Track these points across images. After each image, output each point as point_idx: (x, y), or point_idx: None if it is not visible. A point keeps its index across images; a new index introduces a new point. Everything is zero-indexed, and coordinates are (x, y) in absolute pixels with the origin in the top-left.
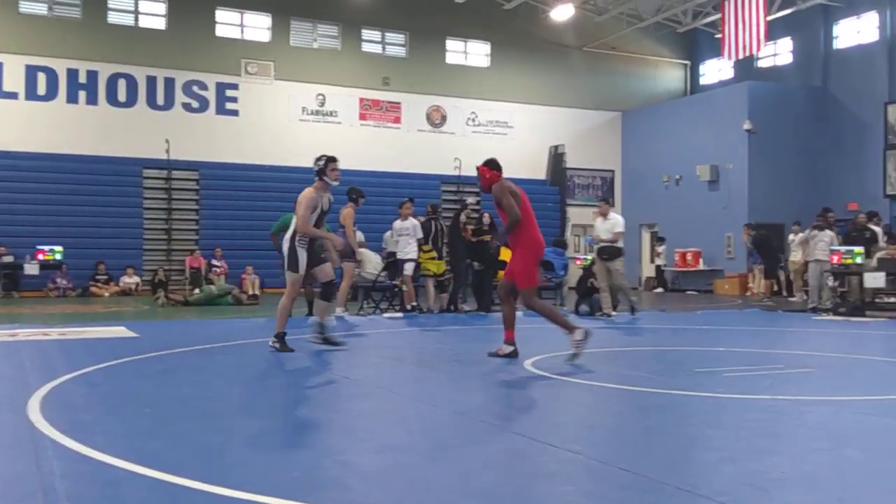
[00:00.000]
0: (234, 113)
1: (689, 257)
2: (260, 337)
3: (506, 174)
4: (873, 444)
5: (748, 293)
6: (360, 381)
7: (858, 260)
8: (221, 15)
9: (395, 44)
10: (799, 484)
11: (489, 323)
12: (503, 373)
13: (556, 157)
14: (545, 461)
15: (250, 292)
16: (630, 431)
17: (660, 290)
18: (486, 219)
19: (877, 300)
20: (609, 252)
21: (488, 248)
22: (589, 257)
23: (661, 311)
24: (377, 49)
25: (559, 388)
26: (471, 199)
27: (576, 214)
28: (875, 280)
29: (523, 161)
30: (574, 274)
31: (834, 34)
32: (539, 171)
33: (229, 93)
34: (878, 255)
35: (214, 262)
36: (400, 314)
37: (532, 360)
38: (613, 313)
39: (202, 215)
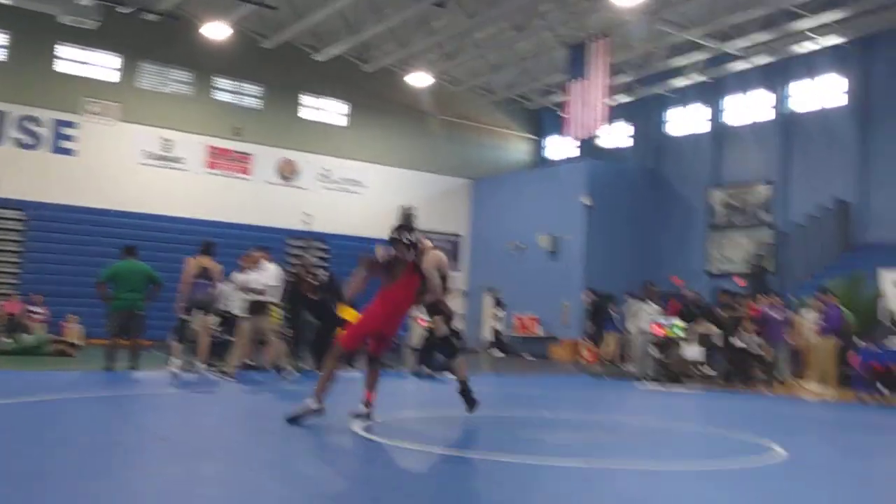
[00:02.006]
0: (71, 152)
1: (526, 322)
2: (70, 392)
3: (356, 233)
4: None
5: (579, 360)
6: (181, 443)
7: (678, 332)
8: (64, 51)
9: (250, 95)
10: None
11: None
12: (330, 436)
13: (406, 217)
14: None
15: (71, 342)
16: (434, 496)
17: (498, 353)
18: (325, 276)
19: (692, 371)
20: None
21: (328, 305)
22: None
23: (496, 374)
24: (230, 98)
25: (386, 454)
26: (312, 257)
27: None
28: (693, 352)
29: (374, 221)
30: (415, 334)
31: (667, 121)
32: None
33: (66, 131)
34: (698, 330)
35: (33, 308)
36: (233, 372)
37: (363, 424)
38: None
39: (26, 258)
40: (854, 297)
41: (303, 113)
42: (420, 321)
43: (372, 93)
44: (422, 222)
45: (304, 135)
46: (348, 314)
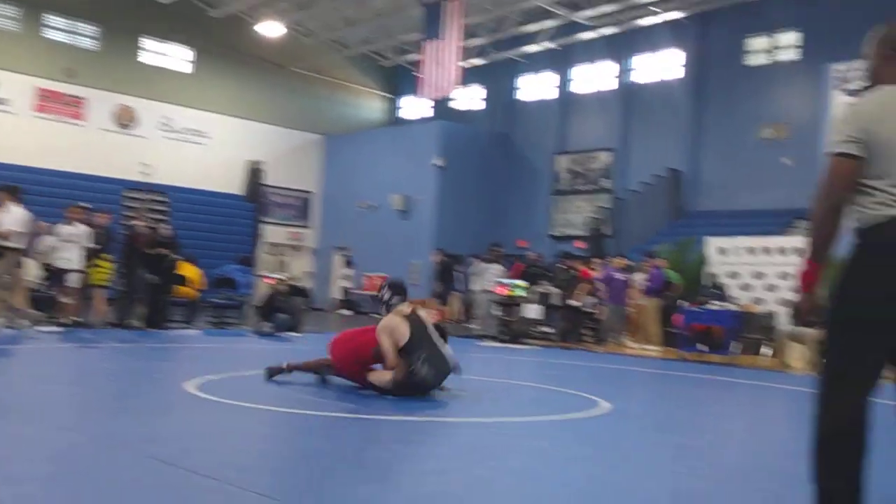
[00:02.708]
0: None
1: (376, 282)
2: None
3: (199, 185)
4: (503, 463)
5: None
6: None
7: (520, 293)
8: None
9: (85, 35)
10: (445, 500)
11: (159, 341)
12: (163, 396)
13: (254, 172)
14: (182, 490)
15: None
16: (284, 456)
17: (347, 312)
18: (163, 230)
19: (531, 330)
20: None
21: (164, 260)
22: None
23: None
24: (63, 37)
25: (218, 413)
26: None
27: (270, 232)
28: (532, 311)
29: (219, 174)
30: (261, 292)
31: (518, 87)
32: (235, 186)
33: None
34: (537, 289)
35: None
36: (60, 328)
37: (197, 381)
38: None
39: None
40: (681, 262)
41: (143, 57)
42: (265, 279)
43: (219, 40)
44: (271, 178)
45: (145, 81)
46: (189, 271)
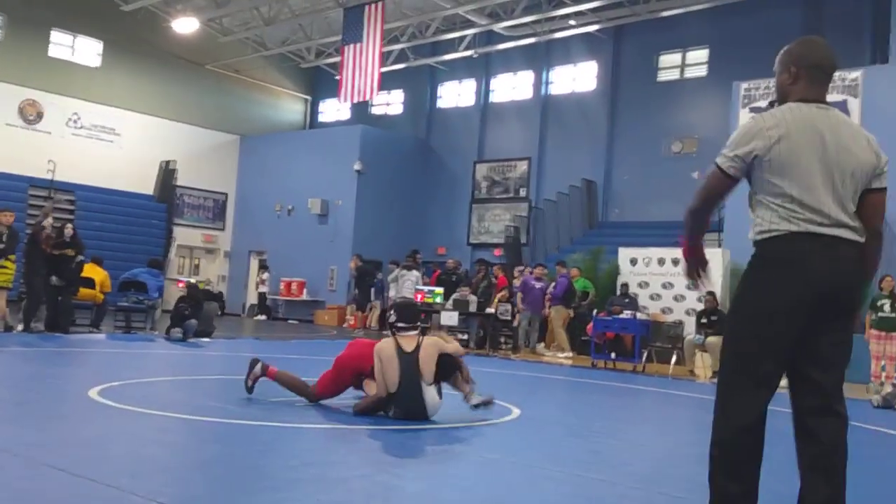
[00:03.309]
0: None
1: (293, 287)
2: None
3: (109, 185)
4: (407, 469)
5: (345, 325)
6: None
7: (438, 300)
8: None
9: None
10: None
11: (62, 345)
12: (62, 402)
13: (167, 172)
14: (76, 499)
15: None
16: (182, 463)
17: (262, 317)
18: (69, 231)
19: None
20: None
21: (70, 262)
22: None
23: (255, 338)
24: None
25: (118, 420)
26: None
27: (183, 235)
28: (449, 318)
29: (130, 173)
30: (172, 296)
31: (438, 94)
32: (147, 186)
33: None
34: (454, 296)
35: None
36: None
37: (99, 387)
38: None
39: None
40: (594, 271)
41: (51, 50)
42: (177, 283)
43: (130, 34)
44: (184, 178)
45: (51, 74)
46: (95, 272)
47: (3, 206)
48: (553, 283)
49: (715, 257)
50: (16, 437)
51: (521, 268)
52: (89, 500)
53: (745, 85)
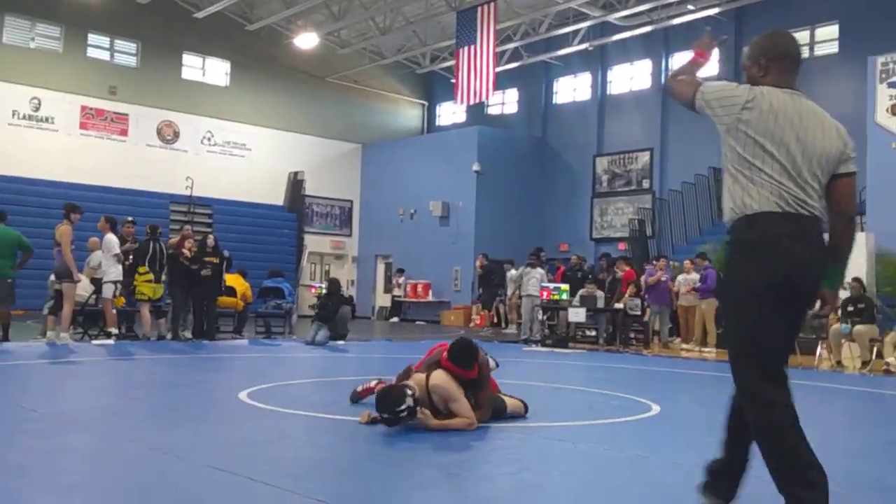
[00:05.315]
0: None
1: (419, 289)
2: None
3: (242, 198)
4: (552, 467)
5: (471, 324)
6: (50, 415)
7: (564, 297)
8: None
9: (126, 52)
10: None
11: (210, 351)
12: (216, 405)
13: (295, 183)
14: (239, 497)
15: None
16: (335, 462)
17: (395, 319)
18: (211, 241)
19: (578, 334)
20: None
21: (216, 269)
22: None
23: (387, 340)
24: (104, 56)
25: (270, 421)
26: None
27: (313, 242)
28: (577, 315)
29: (261, 185)
30: (305, 302)
31: (554, 90)
32: (277, 197)
33: None
34: (580, 292)
35: None
36: (111, 341)
37: (248, 390)
38: None
39: None
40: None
41: (183, 73)
42: (311, 289)
43: (255, 53)
44: (311, 188)
45: (185, 95)
46: (237, 282)
47: (147, 222)
48: (689, 276)
49: (859, 241)
50: (175, 441)
51: (656, 261)
52: (253, 499)
53: (881, 59)
